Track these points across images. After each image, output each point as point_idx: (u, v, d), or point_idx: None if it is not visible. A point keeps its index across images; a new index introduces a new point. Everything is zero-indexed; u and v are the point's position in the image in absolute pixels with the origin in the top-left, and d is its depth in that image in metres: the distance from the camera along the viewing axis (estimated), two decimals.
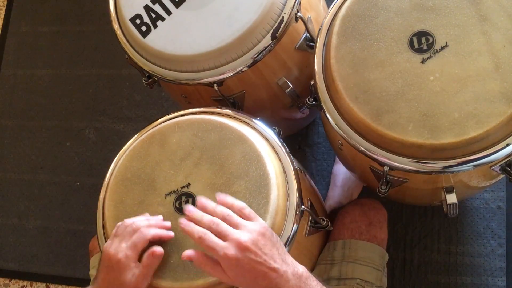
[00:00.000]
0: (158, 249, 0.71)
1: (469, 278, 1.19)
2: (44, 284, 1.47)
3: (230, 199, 0.68)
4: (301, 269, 0.66)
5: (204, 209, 0.67)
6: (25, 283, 1.49)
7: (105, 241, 0.80)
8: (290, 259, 0.66)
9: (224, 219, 0.65)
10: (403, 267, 1.23)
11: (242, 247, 0.62)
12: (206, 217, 0.65)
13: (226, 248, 0.62)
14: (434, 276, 1.21)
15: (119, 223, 0.75)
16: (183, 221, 0.66)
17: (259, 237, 0.63)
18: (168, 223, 0.75)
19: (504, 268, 1.19)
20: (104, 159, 1.51)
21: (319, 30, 0.84)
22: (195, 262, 0.65)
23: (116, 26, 0.93)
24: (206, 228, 0.64)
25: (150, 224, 0.73)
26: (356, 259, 0.87)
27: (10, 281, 1.50)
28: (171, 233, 0.74)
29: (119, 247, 0.71)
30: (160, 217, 0.76)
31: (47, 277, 1.47)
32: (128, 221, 0.74)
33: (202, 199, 0.68)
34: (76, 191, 1.52)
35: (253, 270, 0.62)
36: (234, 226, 0.65)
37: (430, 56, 0.75)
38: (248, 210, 0.67)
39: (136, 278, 0.70)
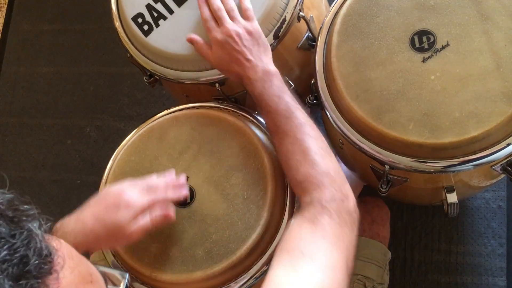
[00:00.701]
0: (172, 213, 0.69)
1: (470, 277, 1.19)
2: None
3: None
4: (273, 68, 0.75)
5: None
6: None
7: None
8: (267, 59, 0.76)
9: (228, 10, 0.78)
10: (403, 267, 1.23)
11: (228, 34, 0.75)
12: (216, 3, 0.78)
13: (217, 32, 0.76)
14: (434, 276, 1.21)
15: (135, 181, 0.70)
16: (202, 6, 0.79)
17: (245, 33, 0.76)
18: (185, 191, 0.73)
19: (505, 268, 1.19)
20: (105, 157, 1.49)
21: (320, 28, 0.84)
22: (195, 43, 0.80)
23: (118, 24, 0.93)
24: (212, 12, 0.78)
25: (168, 186, 0.71)
26: (358, 256, 0.87)
27: None
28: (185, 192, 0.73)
29: (135, 194, 0.67)
30: (183, 178, 0.74)
31: None
32: (150, 181, 0.70)
33: None
34: (77, 189, 1.52)
35: (230, 55, 0.75)
36: (232, 18, 0.77)
37: (431, 55, 0.75)
38: (249, 12, 0.78)
39: (137, 227, 0.66)
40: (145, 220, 0.67)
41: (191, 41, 0.80)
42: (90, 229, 0.65)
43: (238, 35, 0.75)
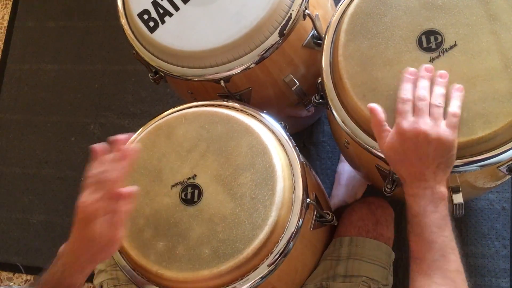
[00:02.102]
0: (129, 188, 0.65)
1: (473, 279, 1.19)
2: None
3: (459, 99, 0.68)
4: (444, 191, 0.65)
5: (433, 83, 0.69)
6: (29, 277, 1.49)
7: None
8: (443, 178, 0.66)
9: (432, 105, 0.66)
10: (406, 267, 1.22)
11: (417, 132, 0.63)
12: (423, 91, 0.67)
13: (407, 122, 0.64)
14: None
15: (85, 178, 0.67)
16: (410, 71, 0.69)
17: (439, 142, 0.64)
18: (132, 147, 0.69)
19: (508, 270, 1.18)
20: None
21: (327, 27, 0.84)
22: (374, 114, 0.68)
23: (123, 21, 0.93)
24: (415, 97, 0.67)
25: (112, 159, 0.67)
26: (363, 257, 0.87)
27: (13, 275, 1.50)
28: (135, 147, 0.68)
29: (89, 197, 0.64)
30: (121, 138, 0.69)
31: None
32: (94, 169, 0.67)
33: (444, 74, 0.69)
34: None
35: (407, 154, 0.64)
36: (432, 116, 0.65)
37: (439, 55, 0.75)
38: (455, 121, 0.66)
39: (112, 229, 0.63)
40: (112, 218, 0.64)
41: (371, 111, 0.68)
42: (82, 253, 0.65)
43: (427, 139, 0.63)
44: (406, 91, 0.67)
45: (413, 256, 0.65)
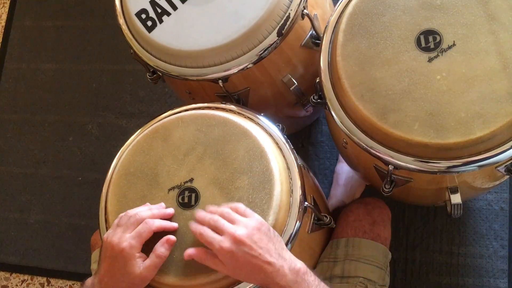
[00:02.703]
0: (172, 237, 0.71)
1: (471, 279, 1.19)
2: (45, 279, 1.47)
3: (221, 208, 0.70)
4: (299, 264, 0.67)
5: (208, 211, 0.71)
6: (26, 277, 1.49)
7: None
8: (287, 254, 0.67)
9: (223, 215, 0.68)
10: (404, 267, 1.22)
11: (236, 241, 0.64)
12: (206, 215, 0.69)
13: (222, 241, 0.65)
14: (435, 277, 1.21)
15: (122, 214, 0.74)
16: (194, 226, 0.69)
17: (254, 232, 0.65)
18: (170, 210, 0.75)
19: (506, 270, 1.18)
20: (106, 155, 1.51)
21: (326, 27, 0.84)
22: (196, 258, 0.68)
23: (121, 20, 0.93)
24: (206, 225, 0.68)
25: (153, 214, 0.73)
26: (359, 258, 0.87)
27: (11, 275, 1.50)
28: (175, 224, 0.74)
29: (122, 237, 0.70)
30: (162, 204, 0.76)
31: (48, 271, 1.47)
32: (131, 211, 0.73)
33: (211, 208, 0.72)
34: (78, 186, 1.52)
35: (248, 263, 0.64)
36: (231, 221, 0.67)
37: (437, 55, 0.75)
38: (242, 207, 0.69)
39: (146, 268, 0.69)
40: (152, 260, 0.70)
41: (191, 257, 0.68)
42: (112, 286, 0.70)
43: (248, 237, 0.64)
44: (196, 228, 0.68)
45: None
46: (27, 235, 1.52)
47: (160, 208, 0.75)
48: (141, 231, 0.70)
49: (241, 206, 0.70)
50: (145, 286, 0.71)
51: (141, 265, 0.69)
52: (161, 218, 0.73)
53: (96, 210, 0.83)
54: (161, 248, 0.70)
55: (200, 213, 0.70)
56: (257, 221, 0.67)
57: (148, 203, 0.77)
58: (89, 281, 0.73)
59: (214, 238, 0.65)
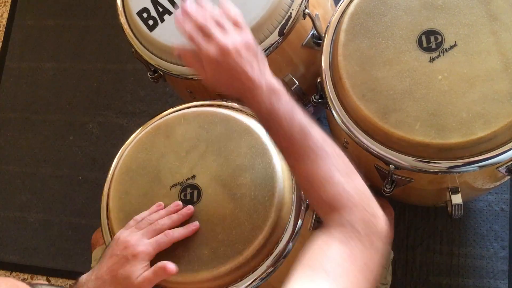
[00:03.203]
0: (172, 267, 0.69)
1: (471, 280, 1.19)
2: (44, 277, 1.47)
3: (226, 3, 0.68)
4: (277, 83, 0.66)
5: (200, 7, 0.68)
6: (26, 276, 1.49)
7: (109, 233, 0.80)
8: (269, 73, 0.66)
9: (217, 22, 0.66)
10: (405, 268, 1.22)
11: (222, 50, 0.63)
12: (200, 16, 0.66)
13: (210, 48, 0.64)
14: (436, 278, 1.21)
15: (139, 217, 0.74)
16: (178, 14, 0.67)
17: (242, 46, 0.64)
18: (189, 209, 0.75)
19: (507, 271, 1.18)
20: (107, 154, 1.51)
21: (327, 27, 0.84)
22: (182, 56, 0.68)
23: (123, 20, 0.93)
24: (198, 28, 0.65)
25: (174, 222, 0.73)
26: None
27: (10, 274, 1.50)
28: (196, 225, 0.74)
29: (141, 240, 0.70)
30: (179, 203, 0.76)
31: (48, 270, 1.47)
32: (151, 217, 0.73)
33: None
34: (79, 185, 1.52)
35: (229, 73, 0.64)
36: (223, 31, 0.65)
37: (439, 55, 0.75)
38: (241, 19, 0.67)
39: (144, 279, 0.68)
40: (148, 273, 0.69)
41: (178, 54, 0.69)
42: (109, 286, 0.68)
43: (235, 48, 0.64)
44: (187, 25, 0.66)
45: (282, 150, 0.66)
46: (27, 234, 1.52)
47: (179, 211, 0.75)
48: (161, 241, 0.71)
49: (235, 14, 0.68)
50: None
51: (142, 273, 0.68)
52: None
53: (97, 210, 0.83)
54: (158, 270, 0.69)
55: (191, 7, 0.67)
56: (247, 37, 0.66)
57: (161, 204, 0.77)
58: (83, 277, 0.71)
59: (202, 44, 0.64)
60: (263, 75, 0.65)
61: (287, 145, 0.64)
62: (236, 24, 0.67)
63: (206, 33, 0.65)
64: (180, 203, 0.76)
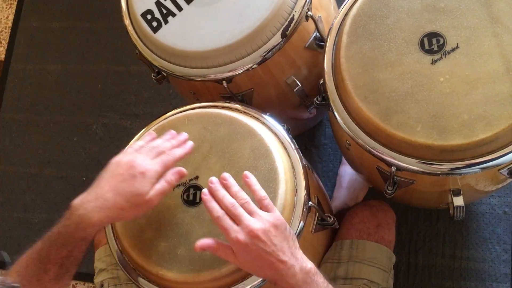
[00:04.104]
0: (184, 170, 0.72)
1: (473, 283, 1.19)
2: None
3: (255, 185, 0.70)
4: (310, 265, 0.66)
5: (227, 188, 0.69)
6: None
7: (112, 232, 0.80)
8: (300, 254, 0.67)
9: (243, 204, 0.67)
10: (407, 270, 1.22)
11: (252, 234, 0.63)
12: (227, 198, 0.67)
13: (238, 232, 0.64)
14: (438, 280, 1.20)
15: (137, 145, 0.75)
16: (205, 193, 0.68)
17: (271, 228, 0.64)
18: (190, 144, 0.77)
19: (509, 274, 1.18)
20: (110, 155, 1.49)
21: (330, 29, 0.84)
22: (208, 248, 0.67)
23: (127, 21, 0.94)
24: (225, 210, 0.66)
25: (173, 145, 0.75)
26: (363, 259, 0.87)
27: None
28: (191, 143, 0.76)
29: (146, 160, 0.70)
30: (172, 132, 0.78)
31: None
32: (154, 143, 0.75)
33: (227, 176, 0.70)
34: (82, 186, 1.49)
35: (260, 258, 0.63)
36: (250, 213, 0.66)
37: (441, 57, 0.75)
38: (267, 201, 0.68)
39: (156, 192, 0.69)
40: (161, 184, 0.70)
41: (203, 249, 0.67)
42: (112, 204, 0.68)
43: (265, 232, 0.63)
44: (214, 208, 0.66)
45: None
46: (31, 234, 1.52)
47: (177, 139, 0.77)
48: (165, 160, 0.71)
49: (266, 199, 0.68)
50: (146, 209, 0.70)
51: (151, 188, 0.68)
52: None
53: None
54: (171, 176, 0.71)
55: (217, 187, 0.68)
56: (275, 218, 0.66)
57: (154, 133, 0.79)
58: (77, 201, 0.70)
59: (232, 226, 0.64)
60: (295, 258, 0.65)
61: None
62: (263, 206, 0.68)
63: (233, 216, 0.65)
64: (174, 131, 0.78)
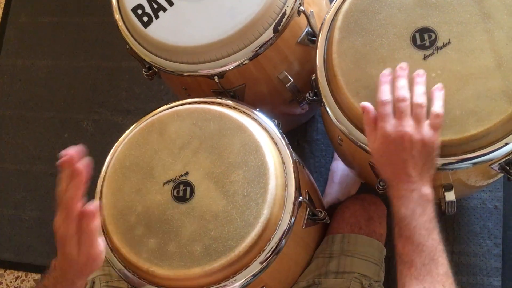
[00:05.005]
0: (88, 207, 0.63)
1: (465, 277, 1.20)
2: (39, 275, 1.47)
3: (440, 99, 0.68)
4: (429, 192, 0.66)
5: (414, 82, 0.68)
6: (20, 273, 1.48)
7: (103, 229, 0.80)
8: (428, 179, 0.66)
9: (416, 106, 0.66)
10: None
11: (400, 134, 0.64)
12: (404, 91, 0.66)
13: (389, 122, 0.65)
14: None
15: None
16: (385, 74, 0.68)
17: (422, 143, 0.64)
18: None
19: (500, 268, 1.19)
20: (101, 151, 1.48)
21: (322, 24, 0.84)
22: (365, 113, 0.67)
23: (117, 16, 0.93)
24: (395, 99, 0.66)
25: (65, 180, 0.64)
26: (355, 253, 0.87)
27: (5, 272, 1.49)
28: (84, 164, 0.64)
29: (57, 220, 0.64)
30: (69, 156, 0.64)
31: (43, 268, 1.46)
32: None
33: (422, 73, 0.69)
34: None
35: (392, 156, 0.64)
36: (416, 118, 0.65)
37: (432, 52, 0.75)
38: (439, 121, 0.66)
39: (83, 247, 0.64)
40: (83, 239, 0.64)
41: (364, 109, 0.68)
42: (66, 270, 0.66)
43: (411, 141, 0.63)
44: (385, 92, 0.66)
45: (402, 260, 0.65)
46: (22, 231, 1.51)
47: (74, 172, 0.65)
48: (64, 210, 0.64)
49: (441, 116, 0.66)
50: (93, 264, 0.66)
51: (77, 246, 0.64)
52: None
53: None
54: (84, 223, 0.64)
55: (402, 80, 0.67)
56: (432, 139, 0.65)
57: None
58: (52, 262, 0.69)
59: (388, 116, 0.65)
60: (421, 179, 0.65)
61: (407, 256, 0.64)
62: (434, 121, 0.66)
63: (398, 110, 0.65)
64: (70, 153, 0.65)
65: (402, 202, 0.64)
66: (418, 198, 0.64)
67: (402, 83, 0.67)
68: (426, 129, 0.65)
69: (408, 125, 0.64)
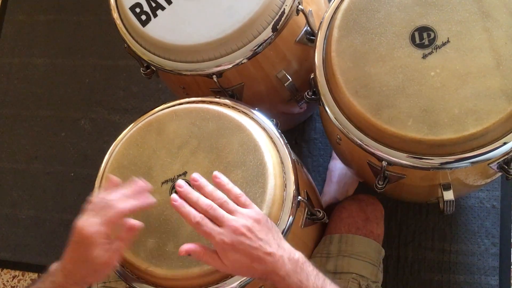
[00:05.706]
0: (136, 222, 0.67)
1: (462, 276, 1.20)
2: (36, 274, 1.46)
3: (227, 184, 0.68)
4: (297, 254, 0.66)
5: (200, 189, 0.66)
6: (17, 272, 1.48)
7: None
8: (286, 244, 0.66)
9: (221, 204, 0.65)
10: (396, 264, 1.23)
11: (238, 233, 0.62)
12: (202, 201, 0.65)
13: (222, 234, 0.62)
14: (427, 274, 1.21)
15: (95, 198, 0.69)
16: (175, 199, 0.65)
17: (254, 223, 0.64)
18: (151, 200, 0.70)
19: (497, 267, 1.19)
20: (99, 150, 1.50)
21: (321, 23, 0.84)
22: (193, 254, 0.65)
23: (115, 15, 0.92)
24: (202, 213, 0.64)
25: (123, 194, 0.68)
26: (352, 254, 0.87)
27: (2, 271, 1.49)
28: (151, 200, 0.70)
29: (90, 221, 0.65)
30: (142, 184, 0.70)
31: (40, 267, 1.46)
32: (102, 194, 0.69)
33: (197, 176, 0.67)
34: (70, 182, 1.51)
35: (248, 256, 0.62)
36: (230, 212, 0.64)
37: (431, 51, 0.75)
38: (244, 198, 0.67)
39: (109, 254, 0.65)
40: (116, 245, 0.67)
41: (188, 253, 0.65)
42: (74, 274, 0.67)
43: (249, 229, 0.63)
44: (191, 214, 0.64)
45: None
46: (19, 230, 1.51)
47: (136, 190, 0.70)
48: (108, 215, 0.65)
49: (242, 196, 0.67)
50: (107, 272, 0.68)
51: (104, 251, 0.65)
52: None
53: None
54: (124, 234, 0.67)
55: (188, 190, 0.65)
56: (256, 213, 0.65)
57: (130, 185, 0.71)
58: (53, 266, 0.69)
59: (214, 230, 0.62)
60: (281, 248, 0.64)
61: None
62: (240, 203, 0.66)
63: (214, 218, 0.63)
64: (137, 179, 0.71)
65: (287, 281, 0.63)
66: (293, 266, 0.64)
67: (196, 196, 0.65)
68: (244, 211, 0.65)
69: (234, 221, 0.63)
